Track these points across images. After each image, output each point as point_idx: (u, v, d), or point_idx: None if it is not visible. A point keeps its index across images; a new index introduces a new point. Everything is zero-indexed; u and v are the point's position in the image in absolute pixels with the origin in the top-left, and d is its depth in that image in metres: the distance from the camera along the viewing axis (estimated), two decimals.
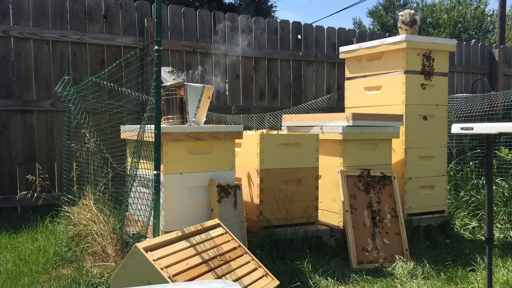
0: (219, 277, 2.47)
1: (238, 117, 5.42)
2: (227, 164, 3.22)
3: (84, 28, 5.04)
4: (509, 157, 5.04)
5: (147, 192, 3.06)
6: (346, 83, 4.55)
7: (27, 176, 4.17)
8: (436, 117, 4.17)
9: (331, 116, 3.86)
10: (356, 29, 8.38)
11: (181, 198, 3.03)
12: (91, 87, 4.08)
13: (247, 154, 3.53)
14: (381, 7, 30.69)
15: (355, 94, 4.43)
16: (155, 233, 2.74)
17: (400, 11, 4.33)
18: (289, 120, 4.20)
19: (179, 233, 2.58)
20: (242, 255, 2.73)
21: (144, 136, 2.97)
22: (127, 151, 3.55)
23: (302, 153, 3.56)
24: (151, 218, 2.82)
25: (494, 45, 8.11)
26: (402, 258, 3.44)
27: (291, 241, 3.41)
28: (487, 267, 2.62)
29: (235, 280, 2.51)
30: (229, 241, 2.77)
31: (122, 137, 3.52)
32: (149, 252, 2.32)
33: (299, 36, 6.31)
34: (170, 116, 3.19)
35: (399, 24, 4.30)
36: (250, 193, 3.50)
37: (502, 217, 4.38)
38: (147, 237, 2.92)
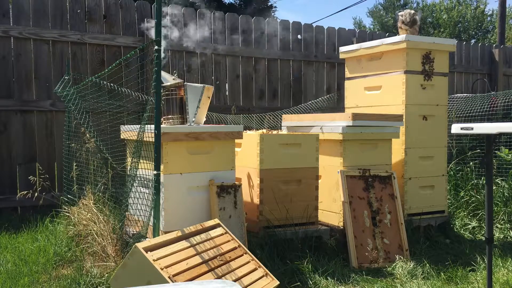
0: (219, 277, 2.47)
1: (238, 117, 5.42)
2: (227, 164, 3.22)
3: (84, 28, 5.04)
4: (509, 157, 5.04)
5: (147, 192, 3.06)
6: (346, 83, 4.55)
7: (26, 177, 4.17)
8: (436, 117, 4.17)
9: (331, 116, 3.86)
10: (356, 29, 8.38)
11: (181, 198, 3.03)
12: (91, 87, 4.07)
13: (247, 154, 3.52)
14: (381, 7, 30.70)
15: (355, 94, 4.42)
16: (155, 233, 2.74)
17: (400, 11, 4.33)
18: (289, 120, 4.20)
19: (179, 233, 2.58)
20: (242, 255, 2.73)
21: (144, 136, 2.97)
22: (127, 151, 3.55)
23: (302, 153, 3.56)
24: (151, 218, 2.82)
25: (494, 45, 8.12)
26: (402, 258, 3.44)
27: (291, 241, 3.41)
28: (487, 267, 2.62)
29: (235, 280, 2.51)
30: (229, 241, 2.77)
31: (122, 137, 3.52)
32: (149, 252, 2.32)
33: (299, 36, 6.31)
34: (170, 116, 3.20)
35: (399, 24, 4.30)
36: (250, 193, 3.50)
37: (502, 217, 4.38)
38: (147, 237, 2.92)
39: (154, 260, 2.28)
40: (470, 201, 4.62)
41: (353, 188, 3.59)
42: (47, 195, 4.20)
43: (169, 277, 2.24)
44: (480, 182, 4.80)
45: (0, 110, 4.68)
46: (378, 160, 3.84)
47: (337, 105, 6.23)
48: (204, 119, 3.37)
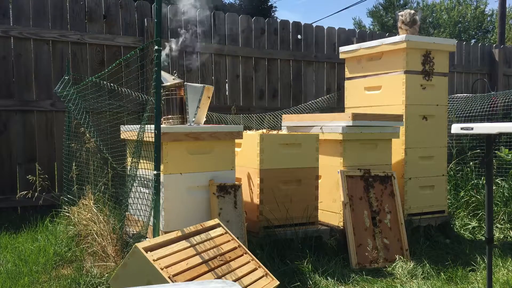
0: (219, 277, 2.47)
1: (238, 117, 5.42)
2: (227, 164, 3.22)
3: (84, 28, 5.04)
4: (509, 157, 5.03)
5: (147, 192, 3.06)
6: (346, 83, 4.55)
7: (27, 177, 4.17)
8: (436, 117, 4.17)
9: (331, 116, 3.86)
10: (356, 29, 8.38)
11: (181, 198, 3.02)
12: (91, 87, 4.08)
13: (247, 154, 3.52)
14: (381, 7, 30.70)
15: (355, 94, 4.42)
16: (155, 233, 2.74)
17: (400, 11, 4.33)
18: (289, 120, 4.20)
19: (179, 233, 2.58)
20: (242, 255, 2.73)
21: (144, 136, 2.97)
22: (127, 151, 3.55)
23: (302, 153, 3.56)
24: (151, 218, 2.82)
25: (494, 45, 8.12)
26: (402, 258, 3.44)
27: (291, 241, 3.41)
28: (487, 267, 2.62)
29: (235, 280, 2.51)
30: (229, 241, 2.77)
31: (122, 137, 3.52)
32: (149, 252, 2.32)
33: (299, 36, 6.31)
34: (170, 116, 3.19)
35: (399, 24, 4.30)
36: (250, 193, 3.50)
37: (502, 217, 4.38)
38: (147, 237, 2.92)
39: (154, 260, 2.28)
40: (470, 201, 4.62)
41: (353, 188, 3.59)
42: (47, 195, 4.20)
43: (169, 277, 2.24)
44: (480, 182, 4.80)
45: (0, 110, 4.68)
46: (378, 160, 3.84)
47: (337, 105, 6.23)
48: (204, 119, 3.36)
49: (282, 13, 43.84)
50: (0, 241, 3.74)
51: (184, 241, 2.55)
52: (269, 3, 17.11)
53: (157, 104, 2.76)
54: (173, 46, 3.59)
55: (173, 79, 3.20)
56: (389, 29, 26.85)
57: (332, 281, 3.05)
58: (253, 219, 3.44)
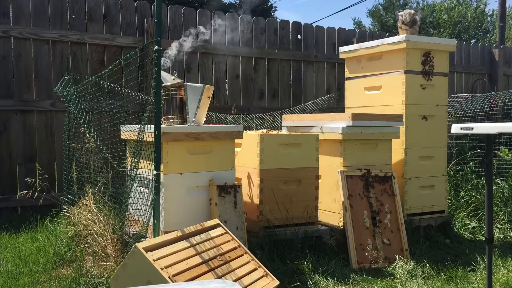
0: (219, 277, 2.47)
1: (238, 117, 5.42)
2: (227, 164, 3.22)
3: (84, 28, 5.03)
4: (509, 157, 5.03)
5: (147, 192, 3.06)
6: (346, 83, 4.55)
7: (26, 177, 4.17)
8: (436, 117, 4.17)
9: (331, 116, 3.86)
10: (356, 29, 8.38)
11: (181, 198, 3.03)
12: (91, 87, 4.08)
13: (247, 154, 3.52)
14: (381, 7, 30.70)
15: (355, 94, 4.43)
16: (155, 233, 2.74)
17: (400, 11, 4.33)
18: (289, 120, 4.20)
19: (179, 233, 2.58)
20: (242, 255, 2.73)
21: (144, 136, 2.97)
22: (127, 151, 3.55)
23: (302, 153, 3.56)
24: (151, 218, 2.82)
25: (494, 45, 8.12)
26: (402, 258, 3.44)
27: (291, 241, 3.41)
28: (487, 267, 2.62)
29: (235, 280, 2.51)
30: (229, 241, 2.77)
31: (122, 137, 3.52)
32: (149, 252, 2.32)
33: (299, 36, 6.31)
34: (170, 116, 3.19)
35: (399, 24, 4.30)
36: (250, 193, 3.50)
37: (502, 217, 4.38)
38: (147, 237, 2.92)
39: (154, 260, 2.28)
40: (470, 201, 4.62)
41: (353, 188, 3.59)
42: (47, 195, 4.20)
43: (169, 277, 2.24)
44: (480, 182, 4.80)
45: (0, 110, 4.68)
46: (378, 160, 3.84)
47: (337, 105, 6.23)
48: (204, 119, 3.37)
49: (282, 13, 43.88)
50: (0, 241, 3.74)
51: (184, 241, 2.55)
52: (269, 3, 17.12)
53: (157, 104, 2.76)
54: (173, 46, 3.59)
55: (173, 79, 3.20)
56: (389, 29, 26.84)
57: (332, 281, 3.05)
58: (253, 219, 3.44)
